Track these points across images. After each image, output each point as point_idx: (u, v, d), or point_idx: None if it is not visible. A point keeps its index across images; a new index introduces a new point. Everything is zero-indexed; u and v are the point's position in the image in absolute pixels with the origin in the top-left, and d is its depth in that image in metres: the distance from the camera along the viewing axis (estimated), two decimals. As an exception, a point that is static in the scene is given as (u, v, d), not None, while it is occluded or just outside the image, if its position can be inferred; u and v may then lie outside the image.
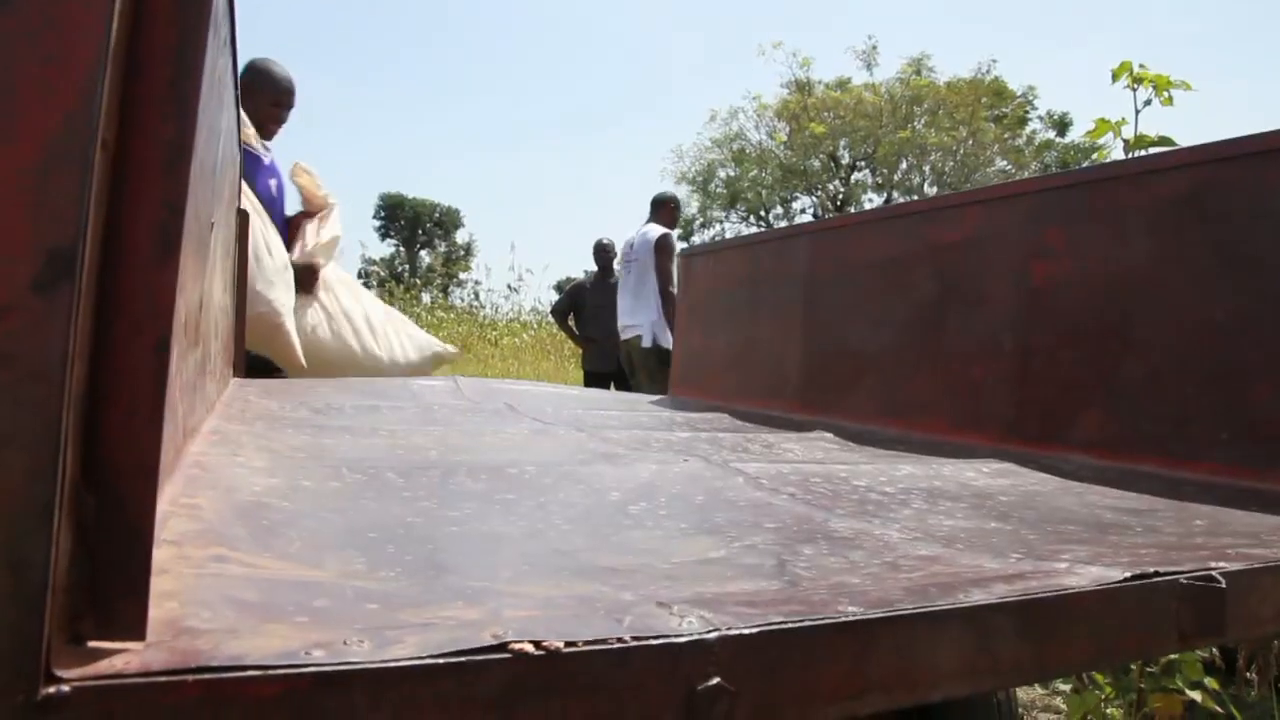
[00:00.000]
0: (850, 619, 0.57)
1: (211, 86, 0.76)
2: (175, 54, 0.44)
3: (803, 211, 20.89)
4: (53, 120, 0.39)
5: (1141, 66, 2.27)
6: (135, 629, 0.44)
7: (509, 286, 13.44)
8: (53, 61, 0.39)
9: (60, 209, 0.39)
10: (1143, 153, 2.25)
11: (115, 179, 0.43)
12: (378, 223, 34.87)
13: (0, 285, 0.39)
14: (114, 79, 0.42)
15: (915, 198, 19.29)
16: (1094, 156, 2.65)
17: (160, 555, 0.53)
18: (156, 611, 0.47)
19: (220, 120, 1.13)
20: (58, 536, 0.40)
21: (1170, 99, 2.28)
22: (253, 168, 3.25)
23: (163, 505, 0.57)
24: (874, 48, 20.84)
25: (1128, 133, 2.32)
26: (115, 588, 0.44)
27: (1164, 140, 2.21)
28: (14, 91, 0.39)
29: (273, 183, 3.39)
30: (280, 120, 3.39)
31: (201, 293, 1.09)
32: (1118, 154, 2.37)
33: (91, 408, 0.43)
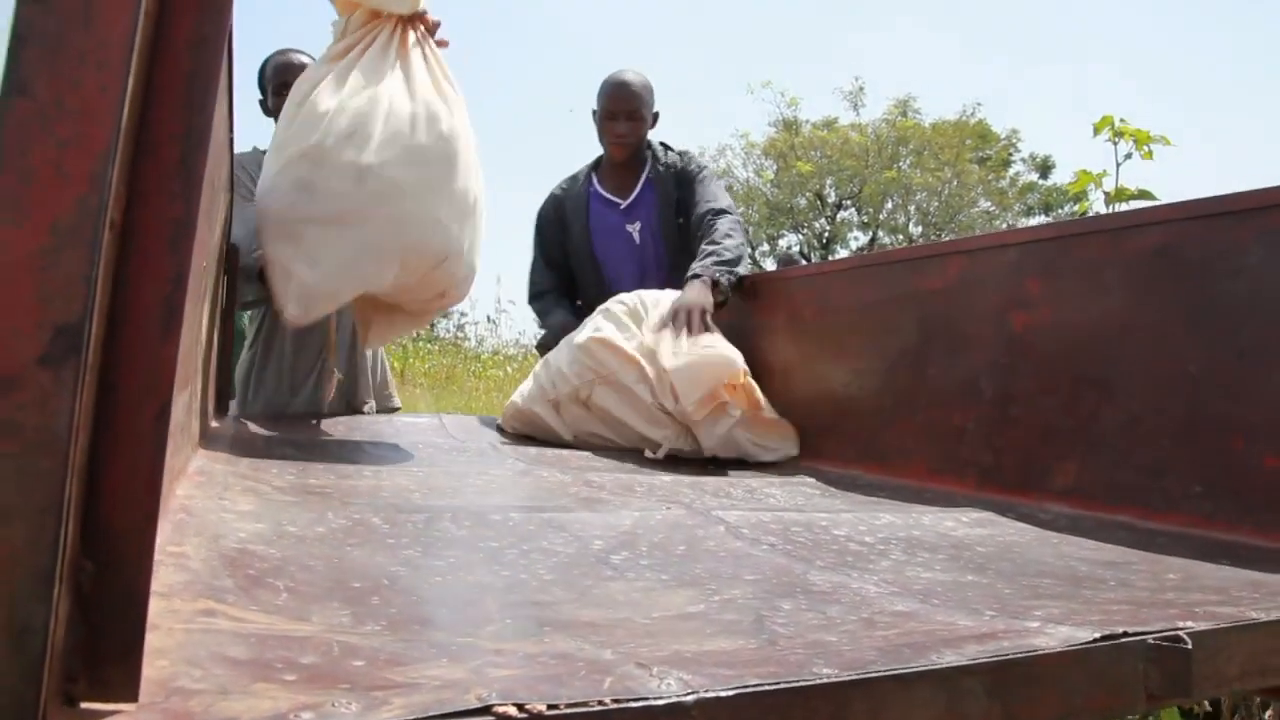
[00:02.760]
0: (824, 681, 0.59)
1: (212, 144, 0.78)
2: (184, 137, 0.46)
3: (789, 248, 21.02)
4: (64, 202, 0.41)
5: (1122, 121, 2.32)
6: (128, 691, 0.45)
7: (488, 318, 13.28)
8: (67, 146, 0.41)
9: (68, 287, 0.41)
10: (1123, 205, 2.30)
11: (121, 255, 0.45)
12: (365, 252, 34.66)
13: (8, 359, 0.41)
14: (124, 161, 0.44)
15: (901, 237, 19.48)
16: (1075, 208, 2.69)
17: (149, 609, 0.54)
18: (148, 670, 0.48)
19: (215, 167, 1.15)
20: (57, 603, 0.41)
21: (1150, 153, 2.34)
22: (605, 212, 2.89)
23: (151, 555, 0.58)
24: (861, 88, 21.13)
25: (1109, 184, 2.38)
26: (110, 650, 0.45)
27: (1144, 194, 2.26)
28: (30, 175, 0.41)
29: (632, 228, 2.91)
30: (616, 132, 2.85)
31: (192, 334, 1.11)
32: (1100, 205, 2.42)
33: (92, 475, 0.45)
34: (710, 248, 2.58)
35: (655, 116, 2.95)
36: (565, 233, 2.96)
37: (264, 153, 2.67)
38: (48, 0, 0.41)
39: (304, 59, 2.63)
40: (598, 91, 2.93)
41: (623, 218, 2.92)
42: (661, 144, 2.97)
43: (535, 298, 2.99)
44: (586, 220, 2.93)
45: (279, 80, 2.62)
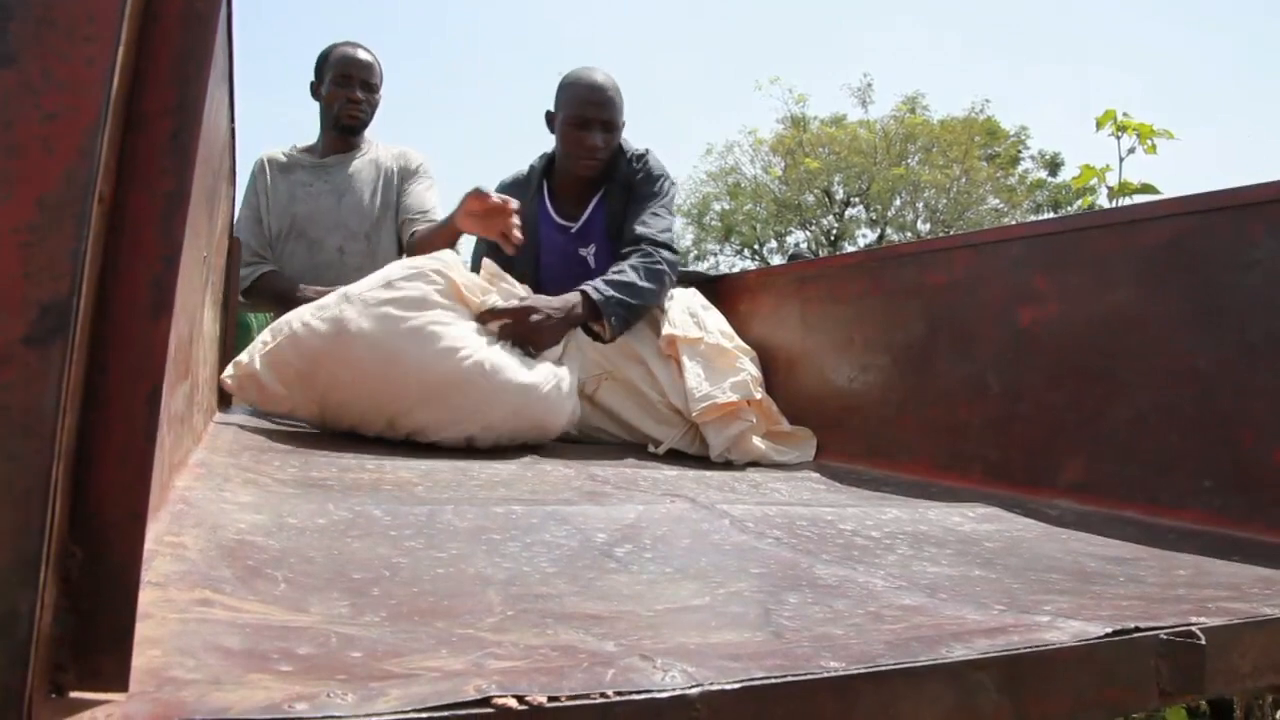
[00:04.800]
0: (832, 675, 0.57)
1: (209, 128, 0.77)
2: (175, 111, 0.45)
3: (797, 245, 20.99)
4: (52, 176, 0.40)
5: (1125, 115, 2.31)
6: (118, 680, 0.44)
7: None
8: (54, 119, 0.40)
9: (55, 263, 0.40)
10: (1126, 199, 2.28)
11: (111, 231, 0.44)
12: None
13: None
14: (113, 134, 0.43)
15: (909, 234, 19.44)
16: (1078, 204, 2.68)
17: (144, 598, 0.53)
18: (139, 660, 0.47)
19: (216, 149, 1.14)
20: (44, 590, 0.40)
21: (1154, 147, 2.32)
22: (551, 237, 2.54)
23: (148, 544, 0.57)
24: (869, 85, 21.05)
25: (1112, 179, 2.36)
26: (99, 639, 0.44)
27: (1147, 188, 2.25)
28: (16, 149, 0.40)
29: (586, 252, 2.58)
30: (588, 145, 2.45)
31: (192, 325, 1.10)
32: (1104, 200, 2.41)
33: (81, 458, 0.44)
34: (616, 272, 2.24)
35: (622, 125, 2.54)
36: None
37: (305, 150, 2.91)
38: (34, -31, 0.40)
39: (369, 56, 2.85)
40: (561, 92, 2.46)
41: (575, 241, 2.55)
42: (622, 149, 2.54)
43: None
44: (536, 247, 2.51)
45: (342, 72, 2.80)
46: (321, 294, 2.10)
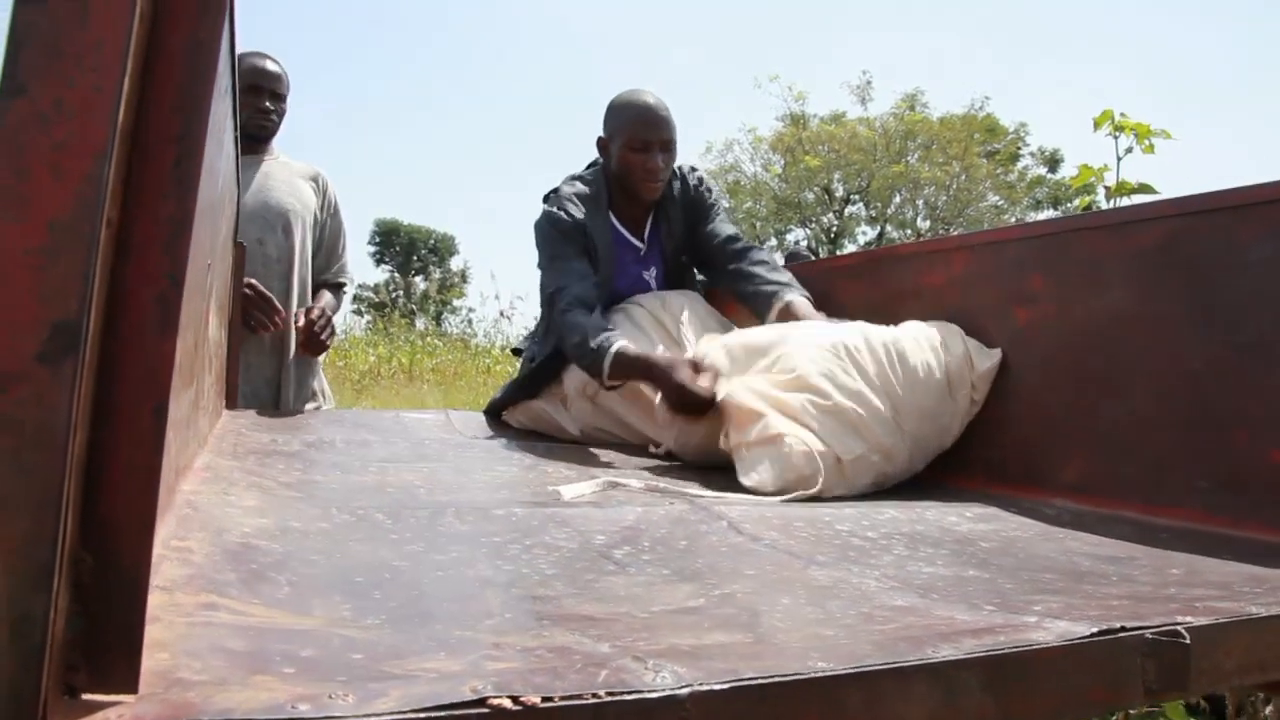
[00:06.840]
0: (819, 675, 0.59)
1: (213, 141, 0.79)
2: (179, 139, 0.47)
3: (796, 243, 21.02)
4: (61, 201, 0.42)
5: (1123, 115, 2.31)
6: (128, 682, 0.46)
7: (501, 314, 13.37)
8: (64, 147, 0.42)
9: (66, 284, 0.42)
10: (1124, 200, 2.29)
11: (119, 253, 0.46)
12: (372, 249, 34.77)
13: (7, 356, 0.41)
14: (120, 161, 0.44)
15: (909, 231, 19.44)
16: (1075, 203, 2.66)
17: (152, 602, 0.55)
18: (148, 662, 0.49)
19: (218, 162, 1.16)
20: (57, 595, 0.42)
21: (1151, 147, 2.32)
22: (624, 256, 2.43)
23: (155, 549, 0.59)
24: (868, 83, 21.06)
25: (1110, 179, 2.37)
26: (110, 642, 0.46)
27: (1144, 188, 2.25)
28: (27, 174, 0.41)
29: (649, 274, 2.50)
30: (649, 168, 2.33)
31: (196, 331, 1.12)
32: (1103, 199, 2.42)
33: (91, 470, 0.46)
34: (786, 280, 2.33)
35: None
36: (592, 263, 2.34)
37: None
38: (44, 2, 0.42)
39: (277, 67, 2.88)
40: (613, 116, 2.38)
41: (640, 265, 2.47)
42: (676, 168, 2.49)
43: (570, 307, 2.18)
44: (611, 265, 2.37)
45: (251, 83, 2.81)
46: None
